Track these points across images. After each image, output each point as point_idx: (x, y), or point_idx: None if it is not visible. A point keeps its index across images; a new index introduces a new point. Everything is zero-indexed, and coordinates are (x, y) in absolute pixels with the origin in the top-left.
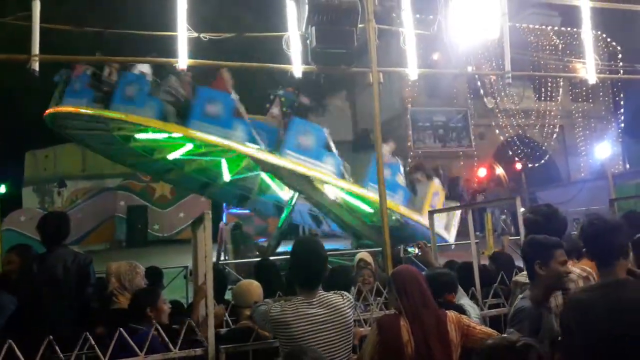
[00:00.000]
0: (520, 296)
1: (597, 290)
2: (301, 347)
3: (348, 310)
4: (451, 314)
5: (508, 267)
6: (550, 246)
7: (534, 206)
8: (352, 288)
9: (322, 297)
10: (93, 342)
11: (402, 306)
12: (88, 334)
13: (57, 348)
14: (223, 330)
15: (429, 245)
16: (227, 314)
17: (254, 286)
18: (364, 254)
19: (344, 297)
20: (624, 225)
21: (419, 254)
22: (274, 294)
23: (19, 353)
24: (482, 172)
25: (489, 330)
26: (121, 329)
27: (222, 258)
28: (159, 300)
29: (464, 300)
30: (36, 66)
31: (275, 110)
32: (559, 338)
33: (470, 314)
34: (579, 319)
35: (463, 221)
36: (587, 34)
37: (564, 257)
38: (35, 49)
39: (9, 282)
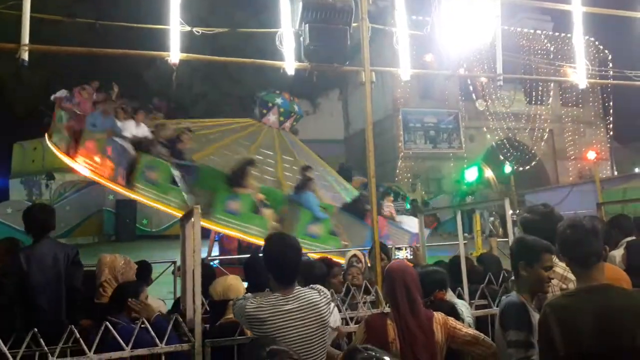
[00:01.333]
0: (505, 296)
1: (582, 295)
2: (267, 338)
3: (324, 306)
4: (438, 315)
5: (495, 268)
6: (538, 249)
7: (531, 206)
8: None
9: (298, 292)
10: (78, 336)
11: (390, 305)
12: (73, 327)
13: (42, 341)
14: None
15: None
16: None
17: (229, 282)
18: (356, 251)
19: (321, 293)
20: (600, 229)
21: (411, 257)
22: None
23: (2, 346)
24: (471, 174)
25: (475, 332)
26: (107, 322)
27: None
28: (141, 294)
29: (456, 300)
30: (25, 56)
31: (272, 117)
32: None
33: (463, 312)
34: (563, 326)
35: None
36: (579, 38)
37: (551, 263)
38: (25, 38)
39: None
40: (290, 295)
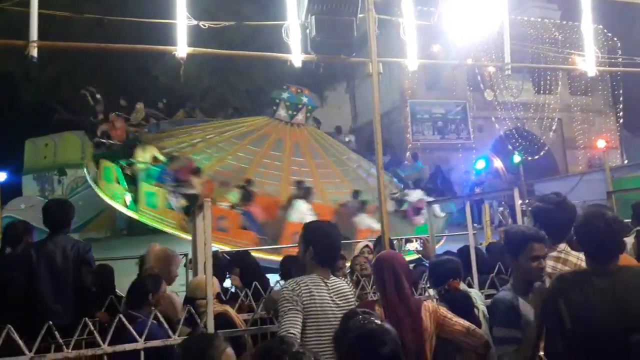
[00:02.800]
0: (503, 287)
1: (593, 274)
2: (289, 337)
3: (352, 298)
4: (427, 303)
5: (503, 258)
6: (523, 240)
7: (543, 195)
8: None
9: (333, 279)
10: (92, 328)
11: (378, 292)
12: (87, 320)
13: (57, 334)
14: None
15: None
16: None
17: (199, 280)
18: (367, 242)
19: (349, 284)
20: (619, 221)
21: (421, 249)
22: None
23: (17, 338)
24: (480, 165)
25: (466, 323)
26: (121, 315)
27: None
28: (160, 288)
29: (468, 289)
30: (34, 53)
31: (282, 112)
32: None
33: (476, 300)
34: (572, 303)
35: None
36: (587, 25)
37: (539, 252)
38: (34, 35)
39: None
40: (329, 280)
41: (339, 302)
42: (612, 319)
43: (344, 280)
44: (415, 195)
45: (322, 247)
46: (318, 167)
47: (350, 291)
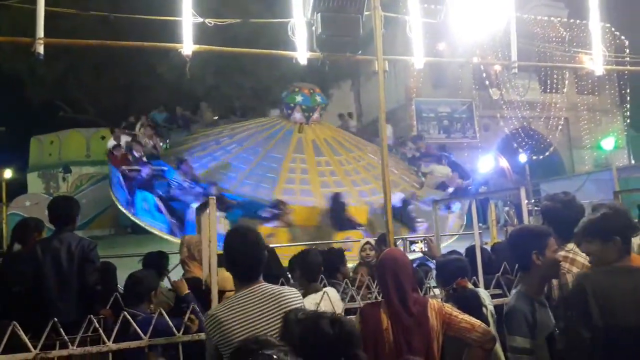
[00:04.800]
0: (513, 291)
1: (619, 272)
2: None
3: (290, 294)
4: (433, 301)
5: (510, 258)
6: (544, 235)
7: (551, 194)
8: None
9: (259, 287)
10: (97, 325)
11: (381, 293)
12: (92, 317)
13: (61, 331)
14: None
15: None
16: None
17: (226, 274)
18: (369, 239)
19: (292, 290)
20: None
21: (426, 249)
22: (275, 279)
23: (22, 335)
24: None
25: (472, 320)
26: (125, 312)
27: None
28: (156, 288)
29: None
30: (41, 49)
31: (297, 115)
32: (557, 330)
33: (485, 300)
34: (601, 299)
35: None
36: (595, 23)
37: (555, 245)
38: (40, 32)
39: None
40: (253, 292)
41: (269, 307)
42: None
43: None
44: (442, 170)
45: (232, 263)
46: (341, 163)
47: (285, 291)
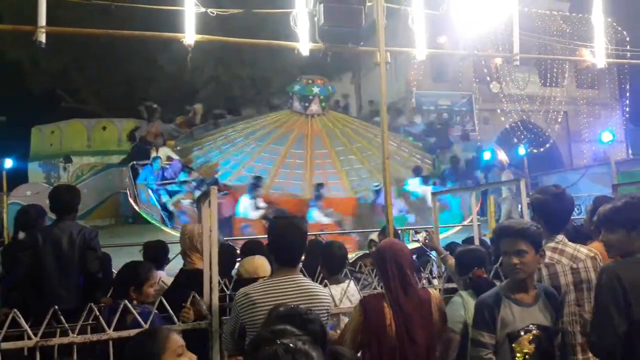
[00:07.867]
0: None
1: None
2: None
3: (324, 296)
4: (435, 293)
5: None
6: (501, 236)
7: (542, 187)
8: None
9: (298, 277)
10: (98, 314)
11: (383, 286)
12: (93, 305)
13: (62, 318)
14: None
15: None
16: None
17: (259, 261)
18: (374, 235)
19: (325, 291)
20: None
21: (427, 240)
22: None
23: (23, 323)
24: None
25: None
26: (126, 301)
27: None
28: (150, 280)
29: None
30: (42, 38)
31: (314, 107)
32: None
33: None
34: (637, 292)
35: None
36: (598, 17)
37: (515, 247)
38: (42, 20)
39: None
40: (286, 277)
41: (301, 303)
42: None
43: (320, 286)
44: None
45: (274, 247)
46: (339, 154)
47: (321, 291)
